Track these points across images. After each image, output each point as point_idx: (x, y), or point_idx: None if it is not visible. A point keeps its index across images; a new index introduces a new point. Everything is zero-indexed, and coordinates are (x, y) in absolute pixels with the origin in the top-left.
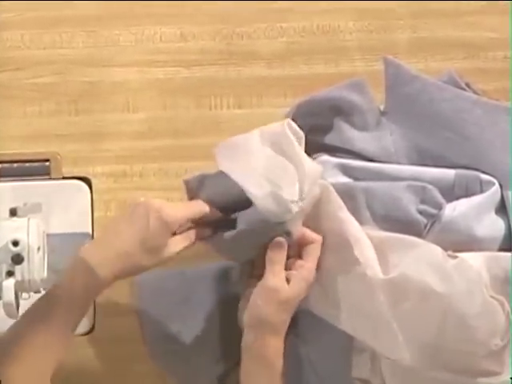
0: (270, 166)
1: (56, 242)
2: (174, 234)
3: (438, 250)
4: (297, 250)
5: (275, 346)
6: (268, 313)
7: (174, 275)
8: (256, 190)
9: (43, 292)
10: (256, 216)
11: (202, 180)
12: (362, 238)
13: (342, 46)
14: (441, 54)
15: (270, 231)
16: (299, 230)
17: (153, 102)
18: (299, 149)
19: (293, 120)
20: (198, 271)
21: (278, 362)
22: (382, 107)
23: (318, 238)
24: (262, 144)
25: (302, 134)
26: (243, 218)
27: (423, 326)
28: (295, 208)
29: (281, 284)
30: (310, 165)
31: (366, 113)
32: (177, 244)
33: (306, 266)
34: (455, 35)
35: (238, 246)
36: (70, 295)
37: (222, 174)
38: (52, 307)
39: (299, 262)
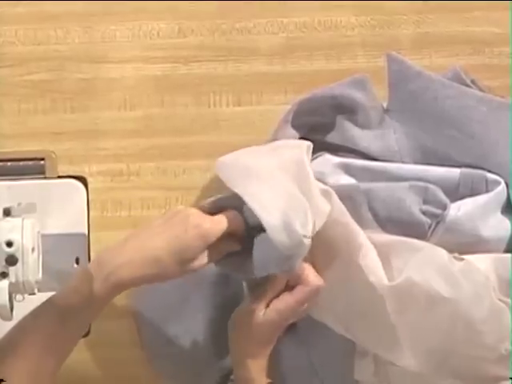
0: (284, 195)
1: (51, 243)
2: None
3: (443, 252)
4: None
5: (255, 369)
6: (240, 336)
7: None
8: (269, 217)
9: (38, 294)
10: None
11: (217, 203)
12: (365, 243)
13: (344, 42)
14: (446, 50)
15: (278, 262)
16: (300, 267)
17: (150, 99)
18: (314, 183)
19: (294, 118)
20: (196, 274)
21: (260, 380)
22: (385, 105)
23: (314, 283)
24: (275, 166)
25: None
26: (259, 244)
27: (430, 332)
28: (307, 242)
29: (257, 308)
30: (321, 202)
31: (368, 110)
32: (205, 257)
33: (285, 301)
34: (461, 30)
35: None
36: (80, 299)
37: (235, 197)
38: (60, 310)
39: (283, 294)
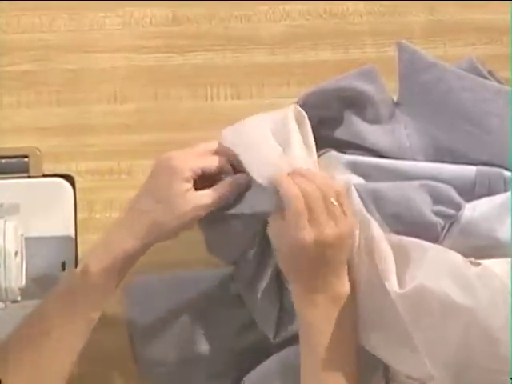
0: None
1: (35, 247)
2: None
3: (458, 257)
4: None
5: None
6: (294, 268)
7: (168, 283)
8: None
9: (21, 301)
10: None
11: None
12: (384, 244)
13: (351, 30)
14: (461, 39)
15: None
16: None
17: (142, 91)
18: (295, 136)
19: None
20: (195, 279)
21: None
22: (395, 98)
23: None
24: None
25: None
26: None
27: (445, 342)
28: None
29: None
30: (300, 152)
31: (377, 104)
32: (201, 197)
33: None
34: (476, 18)
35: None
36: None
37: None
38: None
39: None
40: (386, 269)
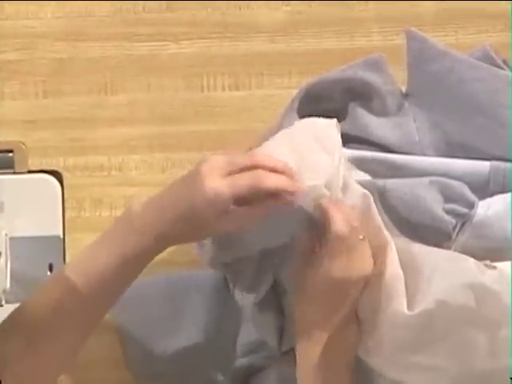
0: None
1: (21, 247)
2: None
3: (470, 263)
4: None
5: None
6: (302, 297)
7: (161, 283)
8: None
9: (5, 305)
10: None
11: None
12: (395, 263)
13: (356, 17)
14: (473, 26)
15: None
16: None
17: (134, 82)
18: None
19: (300, 105)
20: (189, 279)
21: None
22: (403, 89)
23: (337, 232)
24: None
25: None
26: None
27: (467, 356)
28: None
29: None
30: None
31: (385, 96)
32: (236, 219)
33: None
34: (490, 4)
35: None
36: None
37: None
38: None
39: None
40: (395, 291)
